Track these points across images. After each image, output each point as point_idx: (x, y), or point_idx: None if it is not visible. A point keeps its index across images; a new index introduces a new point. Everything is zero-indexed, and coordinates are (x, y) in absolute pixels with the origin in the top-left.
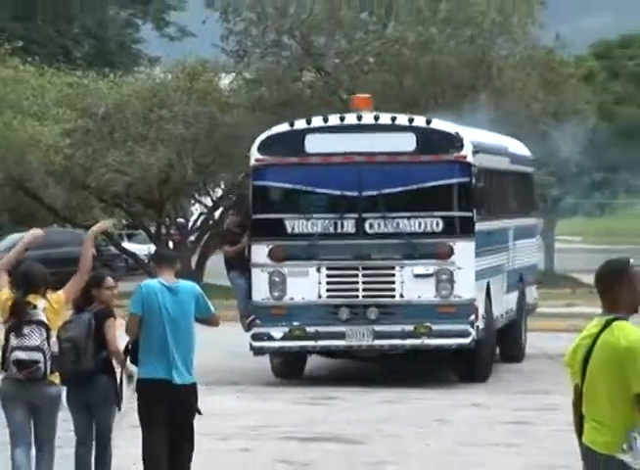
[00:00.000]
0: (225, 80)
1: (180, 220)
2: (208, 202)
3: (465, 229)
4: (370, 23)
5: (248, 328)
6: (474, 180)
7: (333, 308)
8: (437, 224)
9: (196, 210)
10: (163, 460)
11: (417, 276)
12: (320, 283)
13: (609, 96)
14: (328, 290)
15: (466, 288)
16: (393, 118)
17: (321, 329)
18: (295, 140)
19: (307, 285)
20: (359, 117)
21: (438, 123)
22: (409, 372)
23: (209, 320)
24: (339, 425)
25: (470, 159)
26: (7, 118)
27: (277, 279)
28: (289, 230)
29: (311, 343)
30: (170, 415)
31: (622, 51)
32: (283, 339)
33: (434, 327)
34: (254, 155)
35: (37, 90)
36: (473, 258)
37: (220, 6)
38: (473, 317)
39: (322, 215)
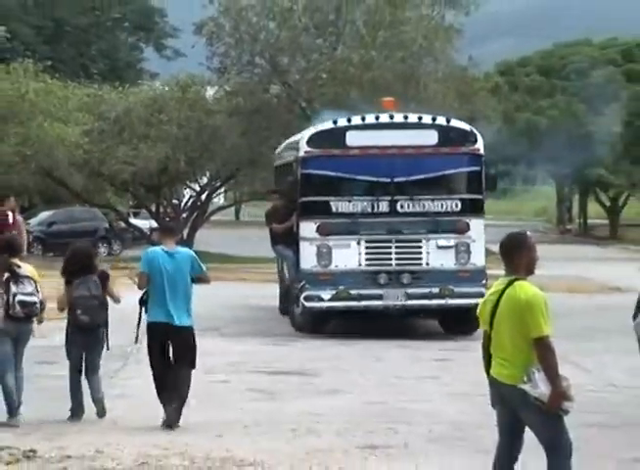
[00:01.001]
0: (210, 92)
1: (175, 201)
2: (197, 187)
3: (477, 209)
4: (323, 46)
5: (300, 292)
6: (483, 169)
7: (371, 274)
8: (456, 205)
9: (187, 193)
10: (166, 380)
11: (440, 247)
12: (360, 254)
13: (510, 105)
14: (367, 259)
15: (479, 257)
16: (420, 118)
17: (362, 291)
18: (337, 135)
19: (350, 255)
20: (391, 117)
21: (456, 122)
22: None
23: (203, 278)
24: (299, 362)
25: (481, 151)
26: (39, 122)
27: (324, 250)
28: (333, 210)
29: (355, 303)
30: (173, 348)
31: (520, 69)
32: (331, 300)
33: (456, 289)
34: (304, 147)
35: (62, 99)
36: (483, 233)
37: (206, 34)
38: (484, 281)
39: (361, 198)
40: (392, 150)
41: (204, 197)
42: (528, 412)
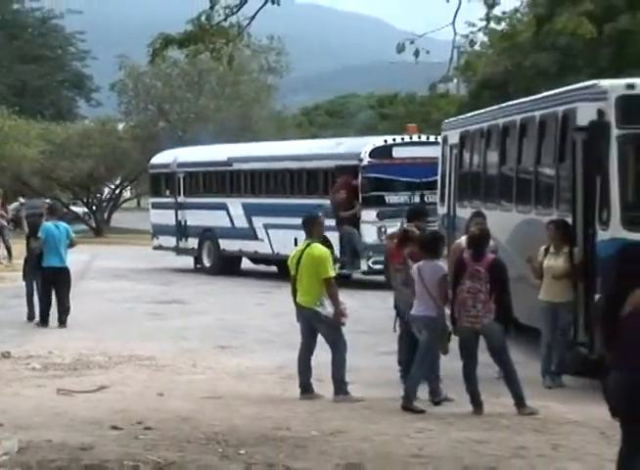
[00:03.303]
0: (120, 126)
1: (98, 195)
2: (112, 186)
3: None
4: (191, 98)
5: (367, 258)
6: None
7: None
8: None
9: (106, 190)
10: (49, 300)
11: None
12: None
13: (308, 135)
14: None
15: None
16: (435, 138)
17: None
18: (387, 150)
19: None
20: (419, 137)
21: None
22: None
23: (72, 243)
24: (177, 295)
25: None
26: (10, 145)
27: (382, 229)
28: (387, 201)
29: None
30: (56, 280)
31: (315, 112)
32: None
33: None
34: (366, 158)
35: (26, 131)
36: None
37: (117, 90)
38: None
39: (403, 193)
40: (420, 159)
41: (117, 192)
42: (320, 324)
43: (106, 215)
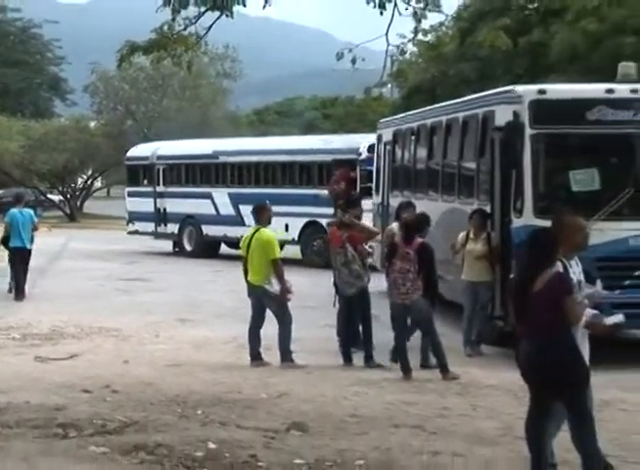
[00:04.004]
0: (92, 124)
1: (72, 185)
2: (85, 177)
3: None
4: (155, 99)
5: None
6: None
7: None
8: None
9: (80, 180)
10: (23, 276)
11: None
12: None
13: (259, 132)
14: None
15: None
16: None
17: None
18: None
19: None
20: None
21: None
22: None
23: (35, 227)
24: (141, 274)
25: None
26: None
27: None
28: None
29: None
30: (23, 259)
31: (265, 112)
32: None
33: None
34: (364, 153)
35: (7, 128)
36: None
37: (89, 91)
38: None
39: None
40: None
41: (89, 182)
42: (268, 301)
43: (79, 203)
